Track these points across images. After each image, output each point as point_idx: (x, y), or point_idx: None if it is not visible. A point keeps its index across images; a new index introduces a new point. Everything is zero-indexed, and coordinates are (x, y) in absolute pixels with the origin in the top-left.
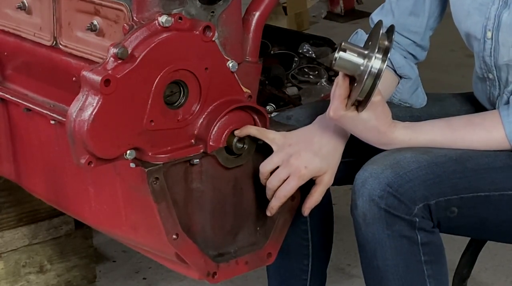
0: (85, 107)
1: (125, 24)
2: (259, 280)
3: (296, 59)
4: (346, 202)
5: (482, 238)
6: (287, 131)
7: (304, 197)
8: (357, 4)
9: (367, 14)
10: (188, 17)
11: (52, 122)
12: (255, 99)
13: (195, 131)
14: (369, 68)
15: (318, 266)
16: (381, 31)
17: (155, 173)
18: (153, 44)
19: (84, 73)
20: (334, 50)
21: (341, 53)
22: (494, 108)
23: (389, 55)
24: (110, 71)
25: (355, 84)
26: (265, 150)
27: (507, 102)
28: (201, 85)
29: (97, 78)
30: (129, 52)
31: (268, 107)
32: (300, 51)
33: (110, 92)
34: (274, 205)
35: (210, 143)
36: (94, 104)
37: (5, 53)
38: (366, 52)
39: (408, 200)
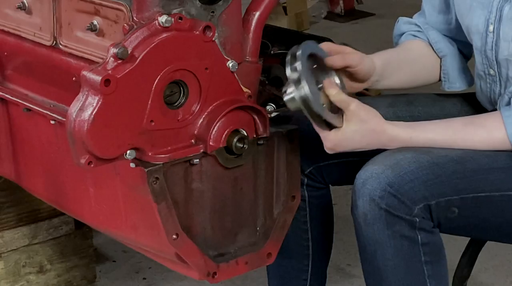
0: (85, 107)
1: (125, 24)
2: (259, 280)
3: None
4: (346, 202)
5: (482, 239)
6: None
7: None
8: (357, 4)
9: (367, 14)
10: (188, 17)
11: (52, 122)
12: (255, 99)
13: (195, 131)
14: (299, 100)
15: (318, 266)
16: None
17: (155, 173)
18: (153, 44)
19: (84, 73)
20: None
21: (285, 97)
22: (495, 108)
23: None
24: (110, 71)
25: None
26: (265, 149)
27: (509, 103)
28: (201, 85)
29: (97, 78)
30: (129, 52)
31: (268, 107)
32: None
33: (110, 92)
34: None
35: (210, 143)
36: (94, 104)
37: (5, 53)
38: (291, 89)
39: (408, 200)
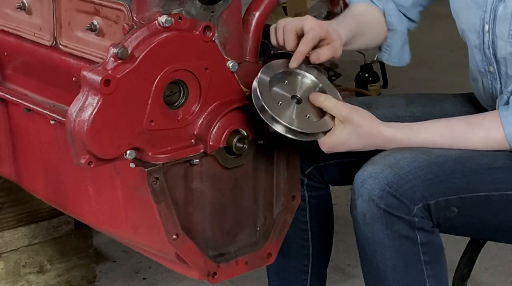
0: (85, 107)
1: (125, 24)
2: (259, 280)
3: None
4: (346, 202)
5: (482, 238)
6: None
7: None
8: None
9: None
10: (188, 17)
11: (52, 122)
12: None
13: (195, 132)
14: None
15: (318, 266)
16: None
17: (155, 173)
18: (153, 44)
19: (84, 73)
20: None
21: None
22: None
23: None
24: (110, 71)
25: None
26: (265, 150)
27: (507, 103)
28: (201, 85)
29: (97, 78)
30: (129, 52)
31: None
32: None
33: (110, 92)
34: None
35: (210, 143)
36: (94, 104)
37: (5, 53)
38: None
39: (407, 200)
